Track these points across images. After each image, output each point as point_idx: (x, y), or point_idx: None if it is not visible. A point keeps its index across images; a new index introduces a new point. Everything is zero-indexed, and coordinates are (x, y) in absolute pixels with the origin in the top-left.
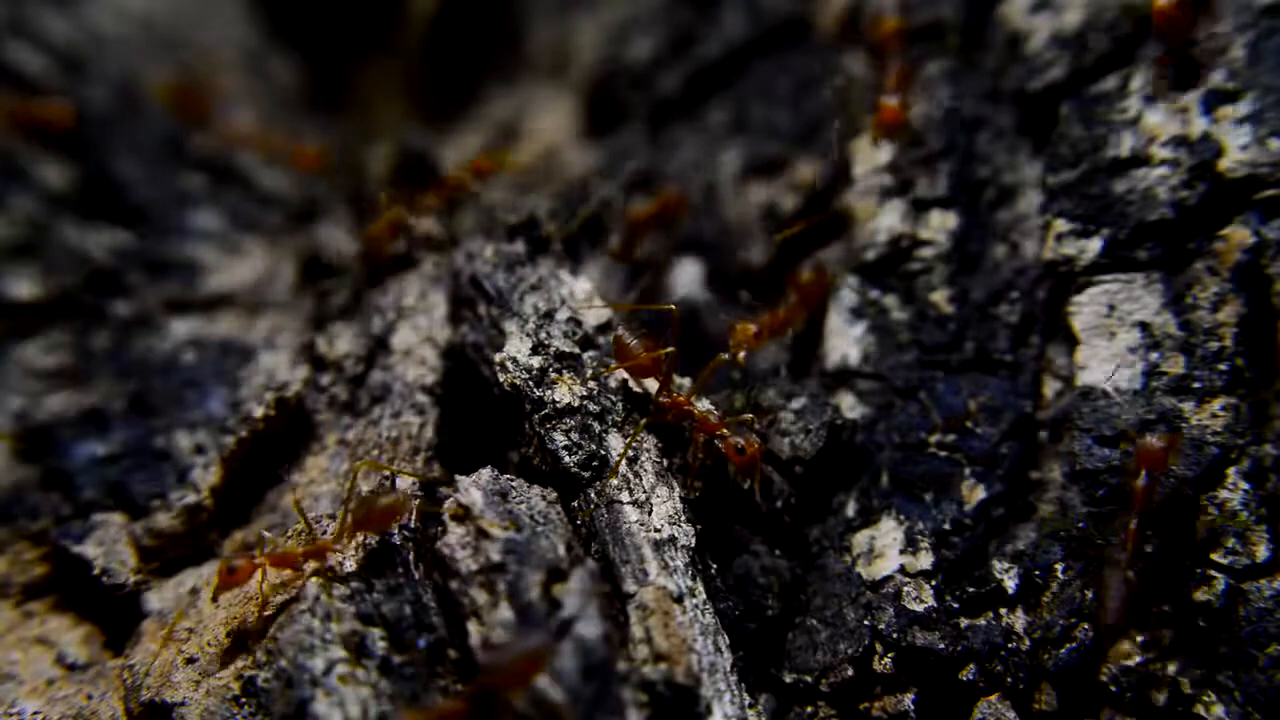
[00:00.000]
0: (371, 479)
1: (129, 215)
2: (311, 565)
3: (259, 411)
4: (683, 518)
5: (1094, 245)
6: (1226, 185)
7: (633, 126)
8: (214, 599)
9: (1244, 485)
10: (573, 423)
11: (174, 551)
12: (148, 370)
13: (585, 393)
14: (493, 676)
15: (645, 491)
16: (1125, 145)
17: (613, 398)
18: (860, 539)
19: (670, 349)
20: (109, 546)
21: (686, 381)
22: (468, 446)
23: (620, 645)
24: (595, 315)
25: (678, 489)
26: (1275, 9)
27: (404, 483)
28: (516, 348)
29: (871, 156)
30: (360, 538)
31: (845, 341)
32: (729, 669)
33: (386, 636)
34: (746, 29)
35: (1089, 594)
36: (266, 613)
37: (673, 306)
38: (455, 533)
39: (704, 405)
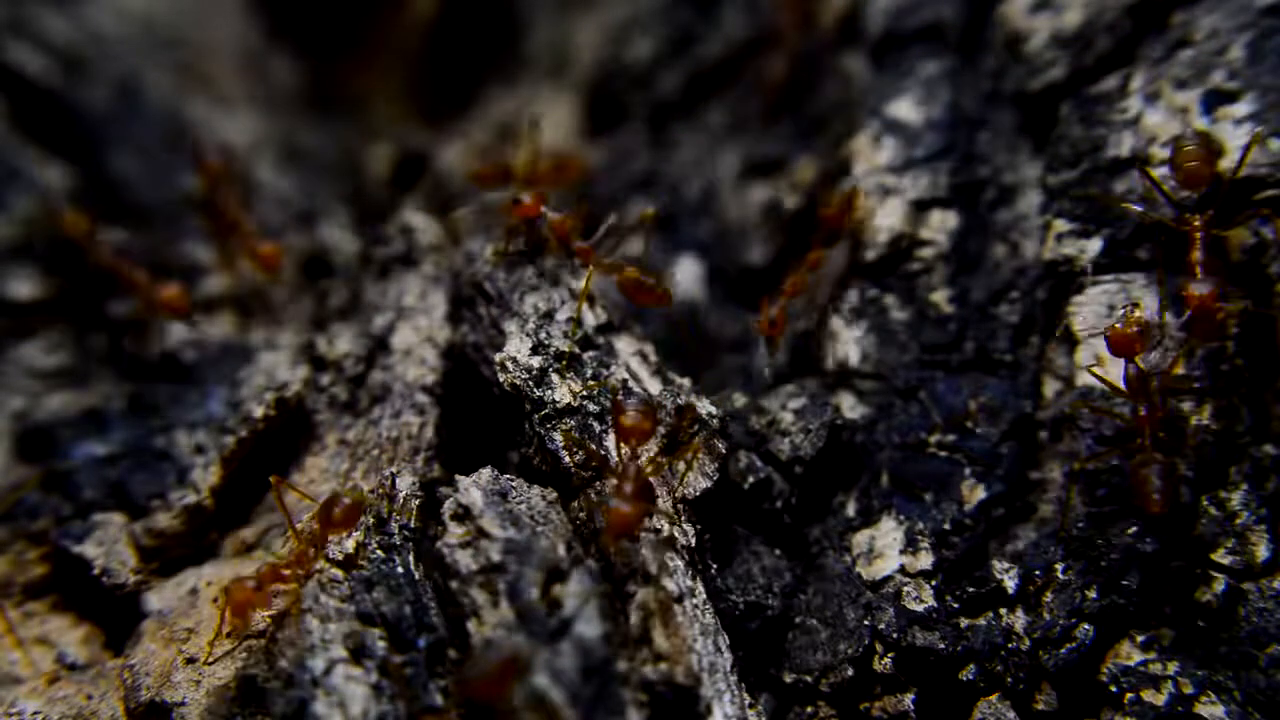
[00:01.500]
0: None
1: (129, 215)
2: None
3: (259, 411)
4: (683, 518)
5: (1094, 245)
6: (1226, 185)
7: (633, 126)
8: (227, 634)
9: (1244, 485)
10: (573, 422)
11: (174, 551)
12: (148, 370)
13: (585, 393)
14: (471, 686)
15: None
16: (1125, 145)
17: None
18: (860, 539)
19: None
20: (109, 546)
21: (687, 382)
22: (468, 446)
23: (620, 645)
24: (595, 315)
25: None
26: (1275, 9)
27: (404, 482)
28: (516, 348)
29: (871, 157)
30: (339, 540)
31: (845, 341)
32: (729, 669)
33: (386, 636)
34: (746, 29)
35: (1090, 594)
36: (267, 613)
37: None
38: (455, 533)
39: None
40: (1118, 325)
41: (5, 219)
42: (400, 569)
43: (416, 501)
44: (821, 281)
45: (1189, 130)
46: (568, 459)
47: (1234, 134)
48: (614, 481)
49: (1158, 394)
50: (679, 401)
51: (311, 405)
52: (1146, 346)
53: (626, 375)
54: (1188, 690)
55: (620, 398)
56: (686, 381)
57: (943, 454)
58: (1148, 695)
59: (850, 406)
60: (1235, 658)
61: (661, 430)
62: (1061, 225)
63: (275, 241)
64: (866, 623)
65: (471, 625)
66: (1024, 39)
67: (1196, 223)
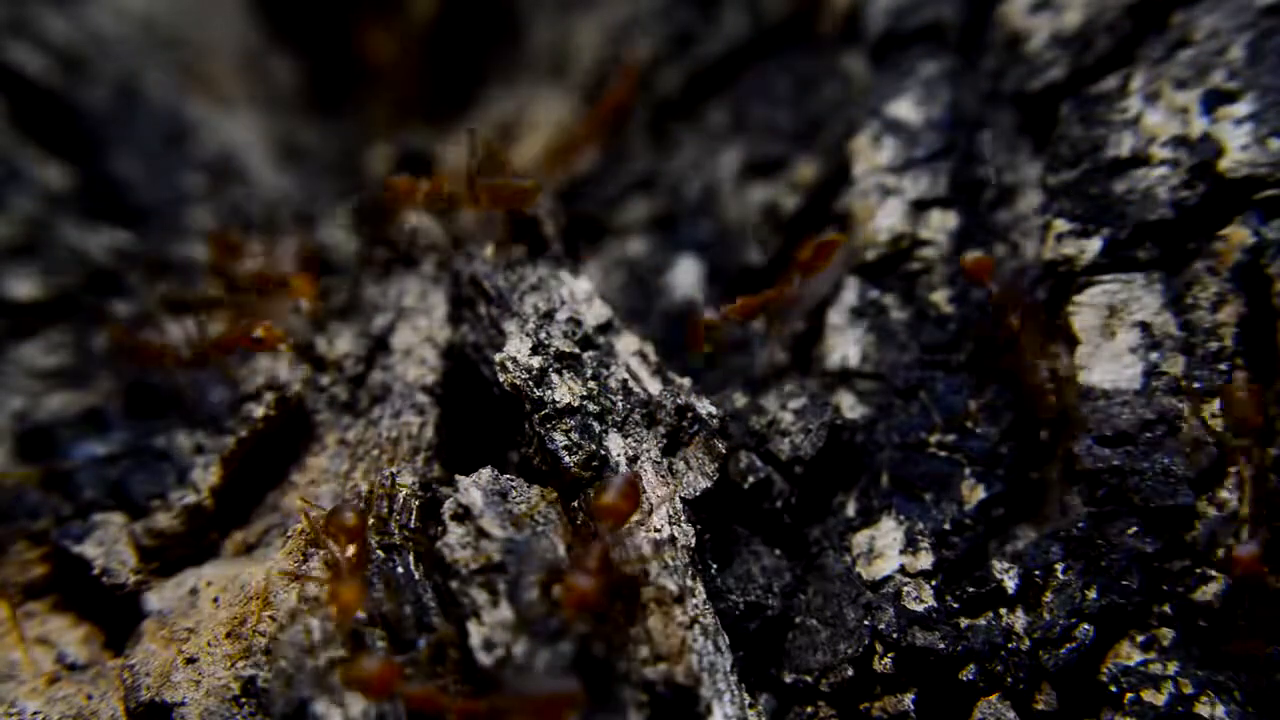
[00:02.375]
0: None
1: (129, 215)
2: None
3: (259, 411)
4: (683, 518)
5: (1094, 245)
6: (1226, 185)
7: (632, 126)
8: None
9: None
10: (573, 423)
11: (174, 551)
12: (148, 370)
13: (585, 393)
14: (517, 703)
15: (645, 491)
16: (1125, 145)
17: (613, 398)
18: (860, 539)
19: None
20: (109, 546)
21: (687, 382)
22: (468, 446)
23: (620, 645)
24: (595, 315)
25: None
26: (1275, 9)
27: (405, 481)
28: (516, 348)
29: (871, 156)
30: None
31: (845, 341)
32: (729, 669)
33: (386, 636)
34: (746, 29)
35: (1090, 594)
36: (267, 613)
37: None
38: (455, 533)
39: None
40: (967, 257)
41: (5, 219)
42: (400, 569)
43: (416, 501)
44: (819, 281)
45: (1239, 375)
46: (568, 459)
47: (1234, 134)
48: (578, 551)
49: (1027, 302)
50: (679, 401)
51: (311, 405)
52: (995, 270)
53: (626, 375)
54: (1188, 690)
55: (606, 474)
56: (686, 381)
57: (943, 454)
58: (1148, 695)
59: (850, 406)
60: (1235, 658)
61: (642, 509)
62: (1061, 225)
63: (304, 273)
64: (866, 623)
65: (471, 625)
66: (1024, 39)
67: (1247, 470)
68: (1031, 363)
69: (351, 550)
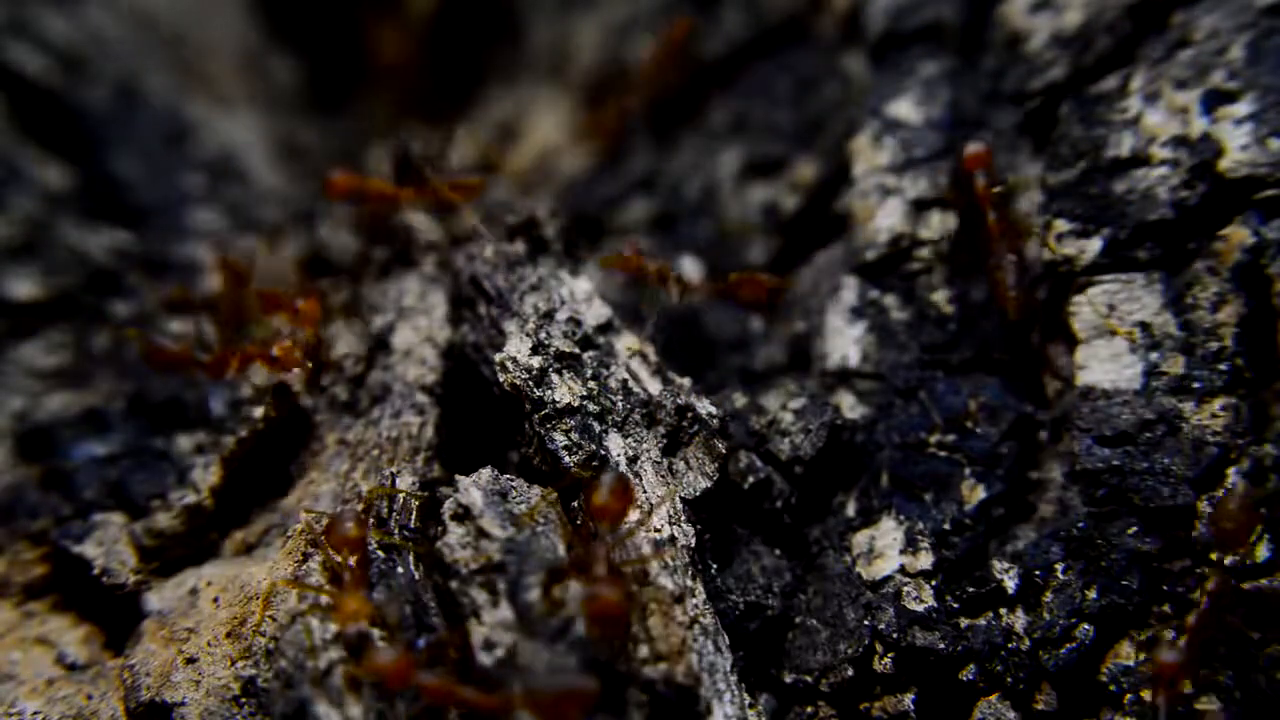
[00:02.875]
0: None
1: (129, 215)
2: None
3: (259, 411)
4: (683, 518)
5: (1094, 245)
6: (1226, 185)
7: (632, 127)
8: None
9: (1243, 486)
10: (573, 423)
11: (174, 551)
12: (148, 370)
13: (585, 393)
14: (531, 698)
15: (645, 491)
16: (1125, 145)
17: (613, 398)
18: (860, 539)
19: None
20: (109, 546)
21: (687, 382)
22: (468, 446)
23: (620, 645)
24: (595, 315)
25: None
26: (1275, 9)
27: (405, 481)
28: (516, 348)
29: (871, 156)
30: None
31: (845, 341)
32: (729, 669)
33: (386, 637)
34: (746, 29)
35: (1090, 594)
36: (267, 613)
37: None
38: (455, 533)
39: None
40: (969, 148)
41: (5, 219)
42: (400, 569)
43: (416, 502)
44: (820, 280)
45: (1237, 487)
46: (568, 459)
47: (1234, 134)
48: (586, 566)
49: (1002, 200)
50: (679, 401)
51: (311, 405)
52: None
53: (626, 375)
54: (1188, 690)
55: (596, 474)
56: (686, 381)
57: (943, 454)
58: (1148, 695)
59: (850, 406)
60: (1235, 658)
61: (642, 509)
62: (1061, 225)
63: (309, 297)
64: (866, 623)
65: (471, 625)
66: (1024, 39)
67: (1210, 584)
68: (999, 257)
69: (354, 561)
